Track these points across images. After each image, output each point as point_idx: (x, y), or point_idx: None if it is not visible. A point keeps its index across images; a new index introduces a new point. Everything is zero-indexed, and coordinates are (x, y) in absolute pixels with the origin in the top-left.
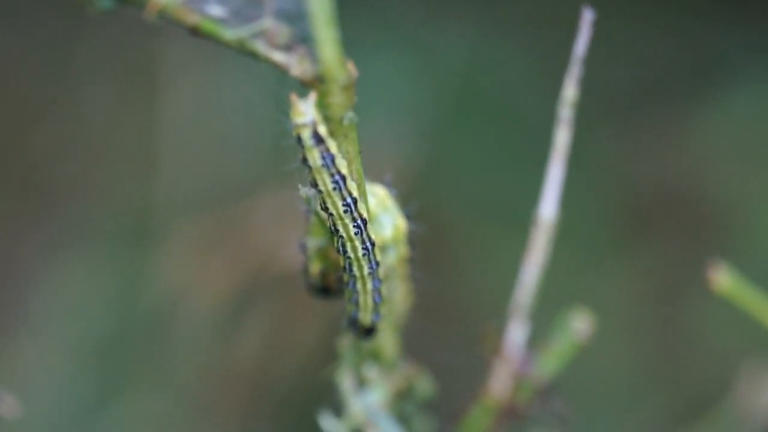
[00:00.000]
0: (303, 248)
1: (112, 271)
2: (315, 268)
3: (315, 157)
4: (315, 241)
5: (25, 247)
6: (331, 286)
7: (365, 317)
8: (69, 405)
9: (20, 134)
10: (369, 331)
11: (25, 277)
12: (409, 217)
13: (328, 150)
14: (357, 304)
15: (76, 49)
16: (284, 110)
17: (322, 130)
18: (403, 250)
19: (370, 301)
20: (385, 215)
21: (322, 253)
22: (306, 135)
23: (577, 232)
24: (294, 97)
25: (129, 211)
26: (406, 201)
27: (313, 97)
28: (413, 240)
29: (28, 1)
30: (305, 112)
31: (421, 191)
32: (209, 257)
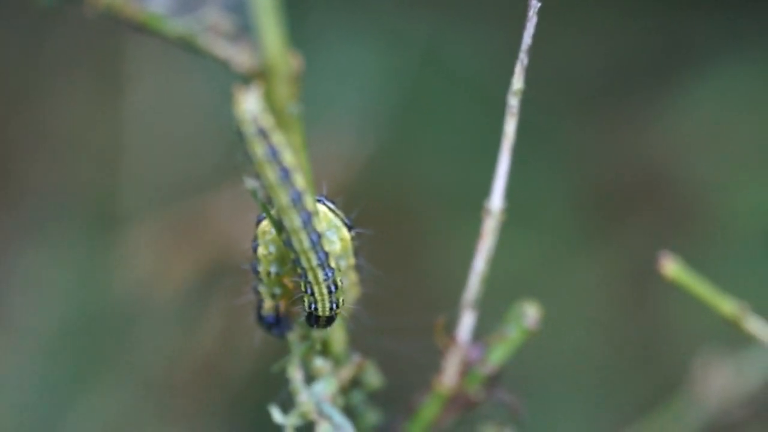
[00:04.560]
0: (255, 291)
1: (78, 261)
2: (268, 305)
3: (257, 150)
4: (266, 288)
5: None
6: (283, 317)
7: (324, 307)
8: (35, 394)
9: None
10: (329, 320)
11: None
12: (350, 227)
13: (271, 142)
14: (313, 295)
15: (46, 43)
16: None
17: (267, 122)
18: (351, 259)
19: (324, 291)
20: (331, 231)
21: (276, 293)
22: (248, 128)
23: (548, 219)
24: (237, 90)
25: (94, 202)
26: (348, 208)
27: (256, 89)
28: (357, 248)
29: None
30: (248, 104)
31: (382, 176)
32: (172, 247)
